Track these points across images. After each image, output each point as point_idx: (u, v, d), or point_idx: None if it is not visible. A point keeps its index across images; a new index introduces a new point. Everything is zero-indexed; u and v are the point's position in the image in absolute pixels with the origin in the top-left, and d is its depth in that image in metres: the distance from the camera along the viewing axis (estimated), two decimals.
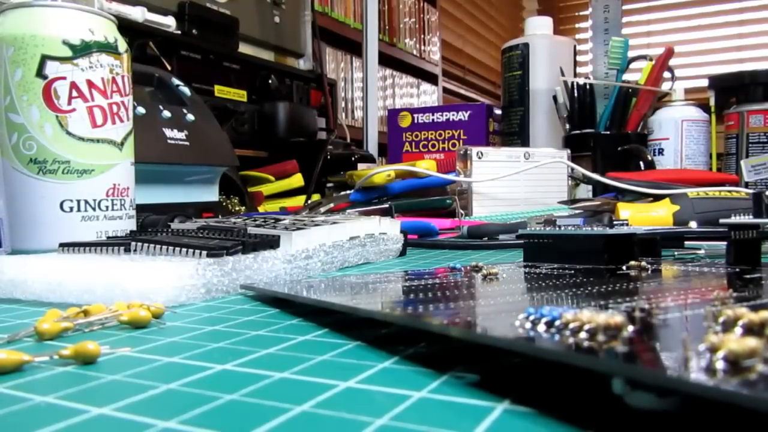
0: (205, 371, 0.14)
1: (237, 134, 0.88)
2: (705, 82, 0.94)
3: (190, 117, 0.59)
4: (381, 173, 0.61)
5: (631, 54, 0.85)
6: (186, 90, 0.63)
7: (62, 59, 0.37)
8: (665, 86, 0.87)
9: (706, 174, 0.76)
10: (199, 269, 0.24)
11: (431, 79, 2.05)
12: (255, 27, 1.02)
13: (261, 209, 0.70)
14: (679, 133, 0.84)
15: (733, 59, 2.22)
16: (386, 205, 0.56)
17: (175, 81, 0.63)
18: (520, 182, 0.64)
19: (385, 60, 1.67)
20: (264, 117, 0.94)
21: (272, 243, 0.28)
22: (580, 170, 0.64)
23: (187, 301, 0.23)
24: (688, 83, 0.94)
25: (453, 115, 0.88)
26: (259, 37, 1.03)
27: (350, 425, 0.11)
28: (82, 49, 0.37)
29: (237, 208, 0.63)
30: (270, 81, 0.96)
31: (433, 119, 0.90)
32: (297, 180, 0.81)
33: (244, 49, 0.96)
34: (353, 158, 0.86)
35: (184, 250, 0.26)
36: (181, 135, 0.56)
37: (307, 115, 1.00)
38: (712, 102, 0.89)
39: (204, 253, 0.25)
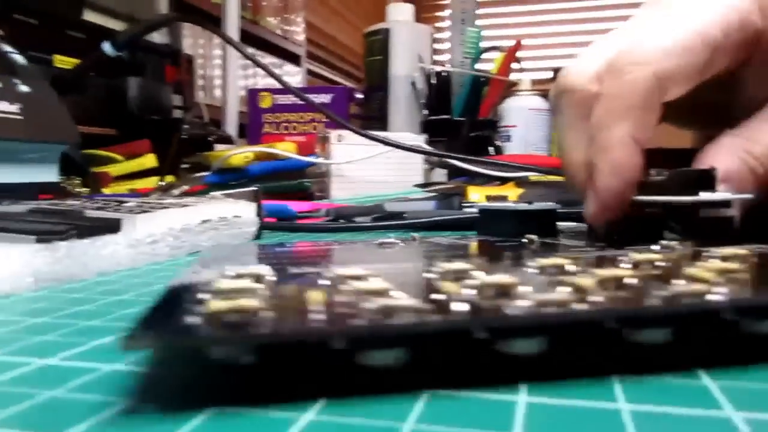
0: (22, 367, 0.13)
1: (82, 110, 0.81)
2: (549, 74, 1.01)
3: (24, 88, 0.53)
4: (239, 155, 0.60)
5: (484, 44, 0.89)
6: (19, 58, 0.57)
7: None
8: (514, 76, 0.92)
9: (547, 159, 0.82)
10: (27, 256, 0.22)
11: (295, 60, 2.03)
12: None
13: (108, 191, 0.65)
14: (525, 121, 0.90)
15: (574, 54, 2.41)
16: (253, 188, 0.55)
17: (6, 47, 0.57)
18: (379, 165, 0.65)
19: (248, 38, 1.63)
20: (113, 92, 0.88)
21: (112, 227, 0.26)
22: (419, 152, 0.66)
23: (12, 292, 0.21)
24: (534, 74, 1.00)
25: (315, 97, 0.88)
26: (109, 4, 0.96)
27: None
28: None
29: (78, 190, 0.58)
30: (121, 53, 0.90)
31: (294, 101, 0.89)
32: (150, 160, 0.76)
33: (90, 17, 0.89)
34: (210, 138, 0.83)
35: (9, 234, 0.24)
36: (14, 108, 0.51)
37: (162, 92, 0.95)
38: None
39: (32, 238, 0.23)
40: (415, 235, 0.28)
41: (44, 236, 0.23)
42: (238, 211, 0.37)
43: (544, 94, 0.95)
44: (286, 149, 0.61)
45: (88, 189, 0.60)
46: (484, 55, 0.89)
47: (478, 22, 0.97)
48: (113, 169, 0.70)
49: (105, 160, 0.71)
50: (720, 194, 0.20)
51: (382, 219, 0.46)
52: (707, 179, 0.21)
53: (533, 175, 0.53)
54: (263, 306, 0.11)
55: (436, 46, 0.99)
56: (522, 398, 0.11)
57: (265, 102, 0.90)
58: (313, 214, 0.50)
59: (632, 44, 0.23)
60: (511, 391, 0.11)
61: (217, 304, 0.11)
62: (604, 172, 0.22)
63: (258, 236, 0.39)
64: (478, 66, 0.87)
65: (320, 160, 0.62)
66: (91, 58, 0.69)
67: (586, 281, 0.13)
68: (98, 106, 0.87)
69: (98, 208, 0.30)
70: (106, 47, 0.68)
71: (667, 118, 0.30)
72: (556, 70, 1.03)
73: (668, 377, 0.12)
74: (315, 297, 0.13)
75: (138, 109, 0.89)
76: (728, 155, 0.22)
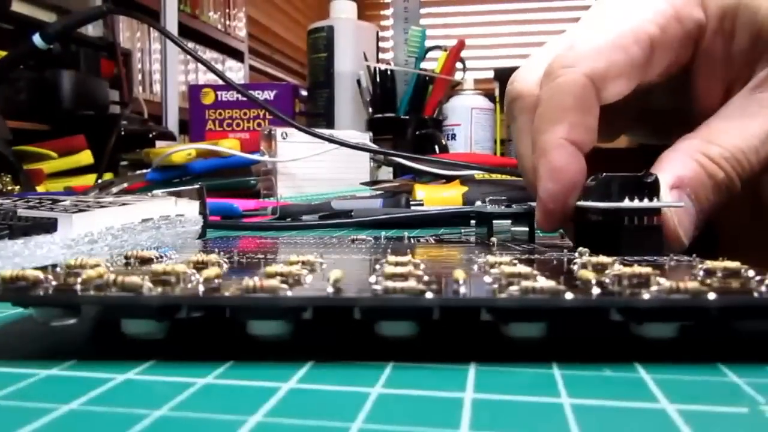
0: None
1: (11, 104, 0.78)
2: (491, 74, 1.02)
3: None
4: (181, 152, 0.58)
5: (428, 44, 0.90)
6: None
7: None
8: (458, 76, 0.93)
9: (492, 158, 0.83)
10: None
11: (237, 55, 1.99)
12: None
13: (42, 189, 0.63)
14: (469, 120, 0.92)
15: (515, 54, 2.46)
16: (197, 185, 0.53)
17: None
18: (325, 163, 0.65)
19: (187, 32, 1.59)
20: (44, 85, 0.85)
21: (47, 226, 0.25)
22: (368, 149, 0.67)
23: None
24: (477, 74, 1.02)
25: (259, 94, 0.87)
26: None
27: (125, 420, 0.10)
28: None
29: (10, 188, 0.56)
30: (52, 46, 0.86)
31: (237, 97, 0.87)
32: (86, 157, 0.74)
33: (19, 7, 0.85)
34: (151, 135, 0.81)
35: None
36: None
37: (97, 86, 0.92)
38: (496, 92, 0.97)
39: None
40: (406, 233, 0.28)
41: None
42: (181, 210, 0.36)
43: (487, 94, 0.96)
44: (230, 146, 0.60)
45: (20, 187, 0.57)
46: (428, 54, 0.90)
47: (421, 22, 0.98)
48: (47, 166, 0.68)
49: (38, 157, 0.69)
50: (646, 202, 0.19)
51: (329, 217, 0.46)
52: (641, 185, 0.19)
53: (478, 174, 0.54)
54: (51, 276, 0.14)
55: (381, 44, 0.99)
56: (468, 395, 0.11)
57: (208, 98, 0.88)
58: (259, 213, 0.50)
59: (566, 47, 0.23)
60: (457, 387, 0.11)
61: (4, 272, 0.14)
62: (543, 177, 0.21)
63: (203, 235, 0.38)
64: (422, 65, 0.88)
65: (265, 157, 0.61)
66: (20, 50, 0.66)
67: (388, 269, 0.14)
68: (29, 101, 0.84)
69: (31, 207, 0.29)
70: (36, 39, 0.65)
71: (625, 129, 0.30)
72: (497, 70, 1.05)
73: (606, 371, 0.12)
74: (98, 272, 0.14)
75: (71, 104, 0.85)
76: (683, 159, 0.21)
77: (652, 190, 0.19)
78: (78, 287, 0.13)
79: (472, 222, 0.26)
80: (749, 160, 0.21)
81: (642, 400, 0.11)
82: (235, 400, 0.11)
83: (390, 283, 0.13)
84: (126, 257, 0.18)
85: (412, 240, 0.27)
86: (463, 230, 0.39)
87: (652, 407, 0.11)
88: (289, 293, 0.13)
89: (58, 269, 0.15)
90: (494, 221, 0.25)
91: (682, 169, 0.21)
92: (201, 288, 0.13)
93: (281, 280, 0.14)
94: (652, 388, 0.11)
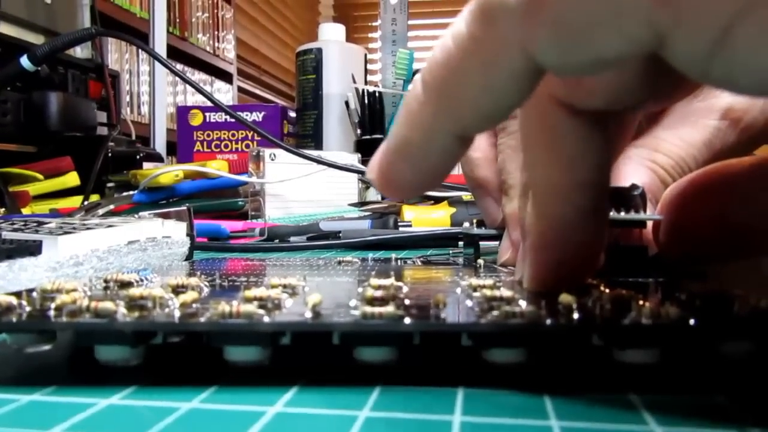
0: None
1: None
2: None
3: None
4: (168, 173, 0.58)
5: (416, 66, 0.91)
6: None
7: None
8: None
9: None
10: None
11: (226, 77, 2.00)
12: (20, 5, 0.91)
13: (27, 211, 0.62)
14: None
15: None
16: (183, 207, 0.53)
17: None
18: (313, 184, 0.65)
19: (176, 54, 1.59)
20: (32, 107, 0.84)
21: (32, 249, 0.25)
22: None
23: None
24: None
25: (247, 115, 0.87)
26: (26, 17, 0.92)
27: None
28: None
29: None
30: (39, 68, 0.86)
31: (226, 118, 0.87)
32: (72, 178, 0.73)
33: (5, 29, 0.85)
34: (138, 156, 0.80)
35: None
36: None
37: (85, 108, 0.91)
38: None
39: None
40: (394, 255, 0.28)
41: None
42: (168, 231, 0.36)
43: None
44: (217, 167, 0.60)
45: (5, 209, 0.57)
46: (415, 77, 0.90)
47: (409, 44, 0.99)
48: (33, 188, 0.67)
49: (24, 179, 0.68)
50: (632, 214, 0.19)
51: (317, 238, 0.46)
52: (627, 198, 0.19)
53: (466, 195, 0.54)
54: (24, 302, 0.14)
55: (369, 66, 0.99)
56: (457, 418, 0.11)
57: (196, 119, 0.88)
58: (247, 234, 0.50)
59: None
60: (446, 410, 0.11)
61: None
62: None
63: (190, 257, 0.38)
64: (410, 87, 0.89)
65: (253, 178, 0.61)
66: (7, 71, 0.66)
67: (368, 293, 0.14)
68: (16, 122, 0.83)
69: (16, 230, 0.29)
70: (24, 61, 0.65)
71: None
72: None
73: (596, 394, 0.12)
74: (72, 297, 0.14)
75: (59, 125, 0.85)
76: (638, 168, 0.21)
77: (640, 202, 0.19)
78: (51, 313, 0.13)
79: (460, 243, 0.26)
80: (689, 166, 0.22)
81: (631, 423, 0.11)
82: (221, 425, 0.11)
83: (369, 308, 0.13)
84: (105, 281, 0.18)
85: (399, 262, 0.27)
86: (451, 251, 0.39)
87: (642, 430, 0.10)
88: (266, 319, 0.13)
89: (34, 294, 0.15)
90: (481, 243, 0.25)
91: (641, 178, 0.21)
92: (177, 313, 0.13)
93: (260, 305, 0.13)
94: (641, 410, 0.11)
